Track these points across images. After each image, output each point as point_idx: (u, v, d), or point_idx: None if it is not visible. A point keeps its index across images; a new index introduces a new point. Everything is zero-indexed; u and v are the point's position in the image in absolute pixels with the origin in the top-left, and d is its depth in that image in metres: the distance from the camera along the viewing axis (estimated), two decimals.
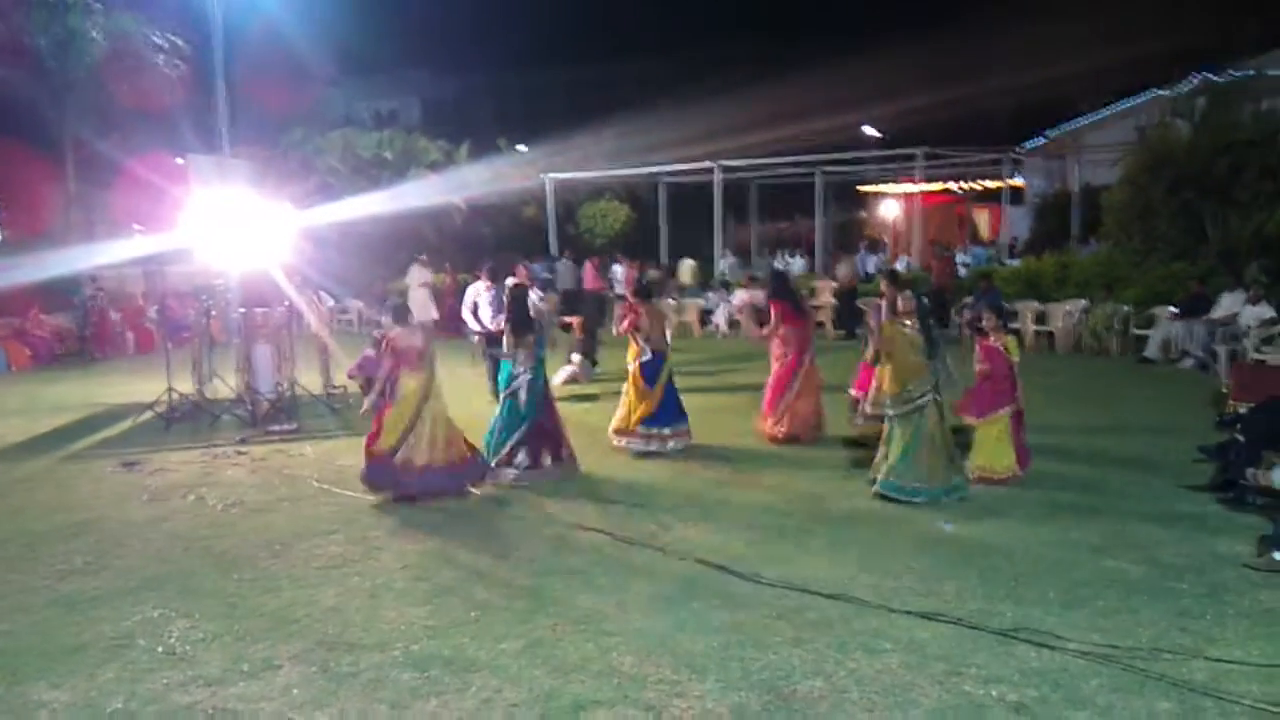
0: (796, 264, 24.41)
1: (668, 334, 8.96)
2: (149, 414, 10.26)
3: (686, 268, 22.95)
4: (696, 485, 7.40)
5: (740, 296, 19.04)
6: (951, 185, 29.73)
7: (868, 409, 8.21)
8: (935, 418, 6.74)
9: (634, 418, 8.46)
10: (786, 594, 5.01)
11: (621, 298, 19.62)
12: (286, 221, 13.36)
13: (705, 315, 19.37)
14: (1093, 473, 7.49)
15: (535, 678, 4.13)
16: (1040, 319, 15.43)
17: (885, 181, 30.50)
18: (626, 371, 8.66)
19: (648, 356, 8.47)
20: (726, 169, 22.06)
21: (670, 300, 18.72)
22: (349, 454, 8.58)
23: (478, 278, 11.57)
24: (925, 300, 7.27)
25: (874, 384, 7.91)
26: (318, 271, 16.35)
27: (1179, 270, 14.66)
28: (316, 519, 6.62)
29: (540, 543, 6.00)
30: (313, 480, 7.68)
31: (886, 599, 4.91)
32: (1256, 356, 11.56)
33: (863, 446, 7.76)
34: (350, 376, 10.50)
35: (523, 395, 7.61)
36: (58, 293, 17.43)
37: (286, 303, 11.06)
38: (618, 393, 8.87)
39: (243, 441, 9.22)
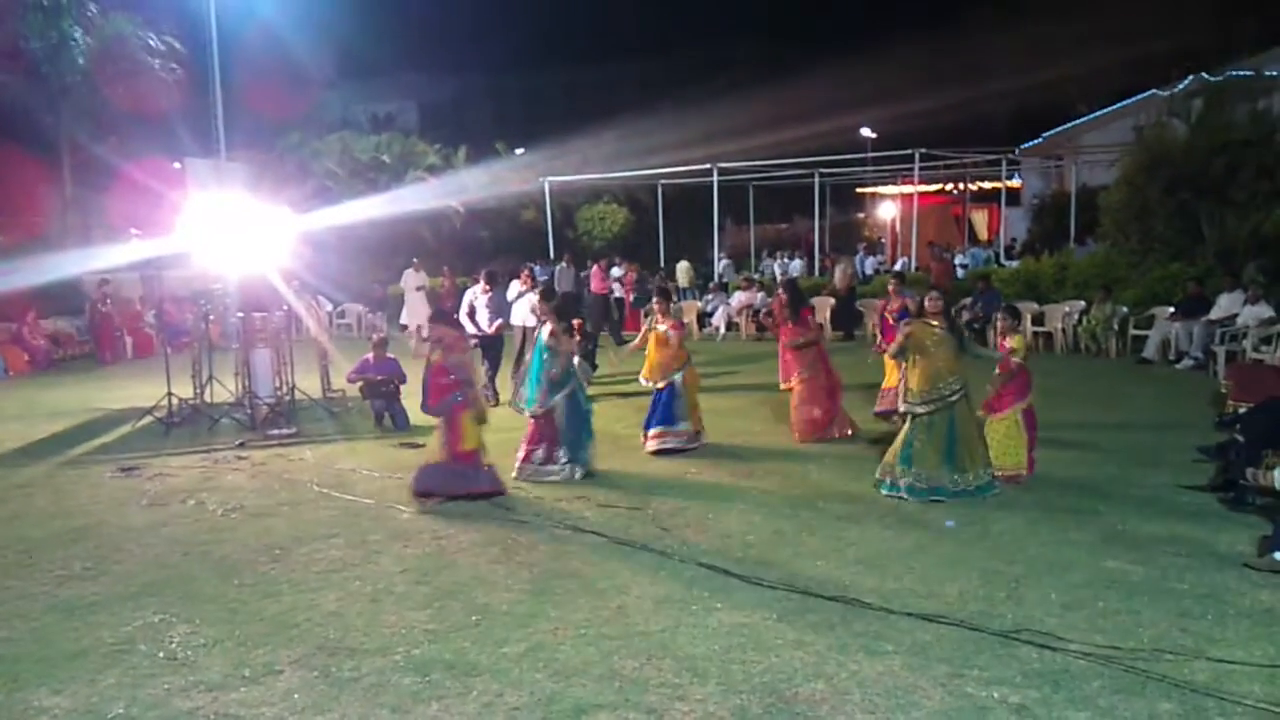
0: (795, 266, 24.45)
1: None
2: (148, 419, 10.25)
3: (682, 270, 22.98)
4: (697, 487, 7.41)
5: (739, 298, 19.06)
6: (949, 186, 29.78)
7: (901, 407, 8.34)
8: (965, 413, 6.81)
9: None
10: (788, 596, 5.01)
11: (622, 301, 19.67)
12: (284, 225, 13.32)
13: (704, 317, 19.37)
14: (1092, 473, 7.50)
15: (537, 681, 4.12)
16: (1038, 320, 15.45)
17: (883, 183, 30.55)
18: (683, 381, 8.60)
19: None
20: (724, 171, 22.07)
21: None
22: (348, 458, 8.60)
23: (476, 281, 11.58)
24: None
25: (900, 383, 7.97)
26: (316, 275, 16.35)
27: (1177, 271, 14.68)
28: (316, 523, 6.60)
29: (541, 546, 5.99)
30: (312, 484, 7.65)
31: (888, 600, 4.91)
32: (1255, 356, 11.58)
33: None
34: (349, 381, 10.48)
35: (579, 394, 7.75)
36: (55, 297, 17.38)
37: (285, 307, 11.05)
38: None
39: (242, 446, 9.20)
